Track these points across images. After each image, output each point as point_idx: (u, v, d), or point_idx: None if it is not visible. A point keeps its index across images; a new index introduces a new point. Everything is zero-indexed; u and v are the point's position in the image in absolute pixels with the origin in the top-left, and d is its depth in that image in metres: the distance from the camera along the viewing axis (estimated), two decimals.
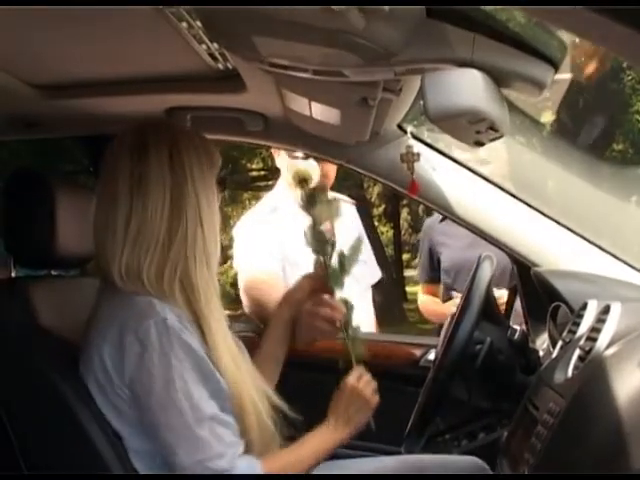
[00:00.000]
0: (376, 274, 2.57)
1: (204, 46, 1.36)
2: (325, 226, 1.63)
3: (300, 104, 1.59)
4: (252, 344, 1.57)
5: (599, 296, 1.43)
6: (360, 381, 1.49)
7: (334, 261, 1.60)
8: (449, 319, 1.78)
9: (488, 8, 1.10)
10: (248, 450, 1.35)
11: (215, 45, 1.36)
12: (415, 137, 1.79)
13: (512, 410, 1.50)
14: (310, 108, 1.57)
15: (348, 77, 1.22)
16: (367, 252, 2.53)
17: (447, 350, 1.62)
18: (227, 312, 1.45)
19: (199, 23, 1.25)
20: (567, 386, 1.22)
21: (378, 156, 1.86)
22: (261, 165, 10.68)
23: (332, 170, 2.33)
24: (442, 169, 1.84)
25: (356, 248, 1.62)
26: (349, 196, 2.69)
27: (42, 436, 1.36)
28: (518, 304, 1.94)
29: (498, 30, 1.12)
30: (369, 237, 2.74)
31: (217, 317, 1.37)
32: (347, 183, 7.88)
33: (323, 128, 1.71)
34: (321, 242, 1.58)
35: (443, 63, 1.14)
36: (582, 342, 1.27)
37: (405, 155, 1.71)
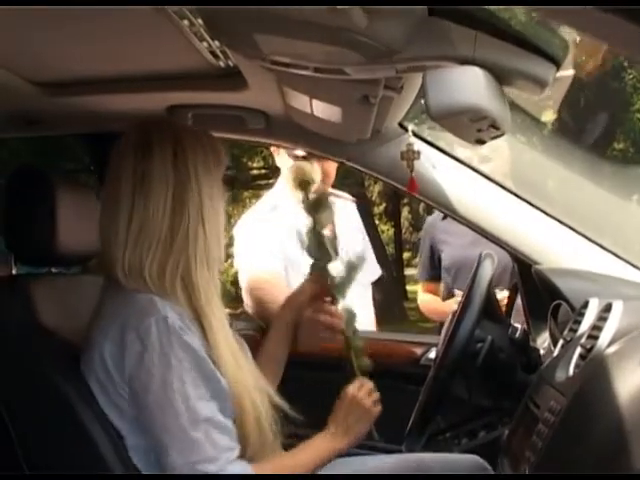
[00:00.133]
0: (376, 272, 2.57)
1: (205, 44, 1.36)
2: (326, 228, 1.63)
3: (301, 102, 1.58)
4: (253, 342, 1.57)
5: (600, 294, 1.42)
6: (360, 391, 1.48)
7: (338, 267, 1.60)
8: (450, 317, 1.78)
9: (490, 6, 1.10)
10: (246, 451, 1.34)
11: (216, 43, 1.36)
12: (416, 135, 1.79)
13: (513, 408, 1.50)
14: (311, 106, 1.57)
15: (350, 75, 1.22)
16: (367, 250, 2.53)
17: (448, 348, 1.62)
18: (227, 311, 1.44)
19: (200, 21, 1.24)
20: (568, 384, 1.22)
21: (379, 154, 1.86)
22: (262, 164, 10.69)
23: (333, 168, 2.33)
24: (443, 167, 1.84)
25: (359, 263, 1.63)
26: (350, 194, 2.69)
27: (43, 436, 1.36)
28: (519, 302, 1.93)
29: (500, 28, 1.12)
30: (369, 235, 2.74)
31: (218, 316, 1.37)
32: (348, 181, 7.87)
33: (324, 126, 1.71)
34: (321, 247, 1.58)
35: (445, 61, 1.13)
36: (583, 340, 1.27)
37: (405, 153, 1.70)
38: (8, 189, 1.50)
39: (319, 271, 1.61)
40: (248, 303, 2.28)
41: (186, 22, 1.25)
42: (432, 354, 2.05)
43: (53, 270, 1.83)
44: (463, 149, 1.91)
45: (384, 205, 15.46)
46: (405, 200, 14.41)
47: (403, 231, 16.50)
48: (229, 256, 2.55)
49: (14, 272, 2.34)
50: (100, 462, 1.32)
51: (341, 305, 1.61)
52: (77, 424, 1.33)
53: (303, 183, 1.61)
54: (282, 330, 1.63)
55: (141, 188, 1.35)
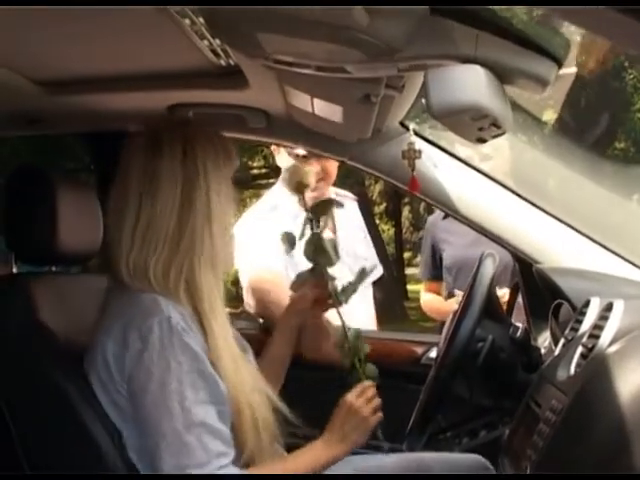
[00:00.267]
0: (377, 271, 2.56)
1: (206, 42, 1.36)
2: (326, 229, 1.63)
3: (302, 101, 1.58)
4: (254, 341, 1.57)
5: (602, 293, 1.42)
6: (359, 399, 1.45)
7: (341, 269, 1.60)
8: (451, 317, 1.78)
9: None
10: (243, 454, 1.33)
11: (217, 41, 1.36)
12: (417, 134, 1.79)
13: (514, 408, 1.49)
14: (312, 105, 1.57)
15: (351, 73, 1.22)
16: (368, 249, 2.53)
17: (449, 348, 1.62)
18: (228, 310, 1.44)
19: (201, 19, 1.24)
20: (569, 384, 1.22)
21: (380, 153, 1.86)
22: (262, 163, 10.69)
23: (334, 167, 2.32)
24: (444, 166, 1.84)
25: (361, 277, 1.63)
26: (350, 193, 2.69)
27: (44, 436, 1.36)
28: (520, 301, 1.93)
29: (501, 27, 1.11)
30: (370, 234, 2.73)
31: (220, 319, 1.36)
32: (349, 181, 7.89)
33: (325, 125, 1.71)
34: (321, 250, 1.58)
35: (446, 59, 1.13)
36: (584, 339, 1.27)
37: (407, 152, 1.70)
38: (8, 188, 1.49)
39: (319, 274, 1.60)
40: (249, 302, 2.28)
41: (187, 21, 1.25)
42: (433, 353, 2.05)
43: (53, 269, 1.83)
44: (464, 148, 1.91)
45: (385, 204, 15.46)
46: (406, 200, 14.41)
47: (404, 231, 16.50)
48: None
49: (14, 271, 2.34)
50: (101, 462, 1.32)
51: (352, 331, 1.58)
52: (78, 424, 1.33)
53: (299, 186, 1.61)
54: (286, 333, 1.63)
55: (150, 187, 1.35)
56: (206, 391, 1.29)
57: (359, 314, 1.65)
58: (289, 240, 1.61)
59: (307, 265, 1.64)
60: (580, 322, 1.40)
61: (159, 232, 1.34)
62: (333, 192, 2.43)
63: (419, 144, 1.73)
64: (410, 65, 1.19)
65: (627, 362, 1.09)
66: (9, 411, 1.36)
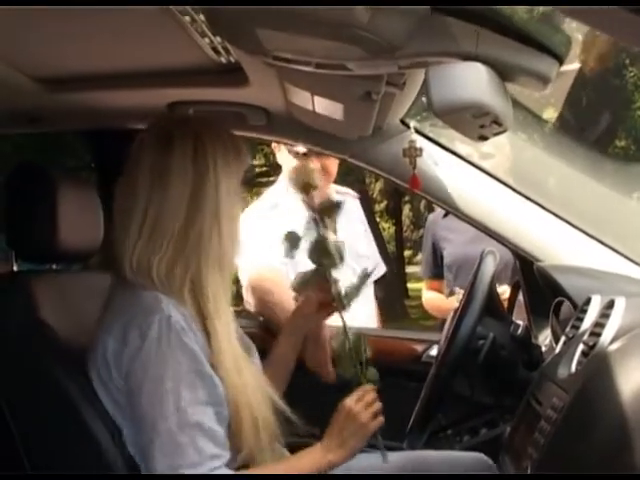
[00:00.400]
0: (380, 269, 2.55)
1: (207, 39, 1.36)
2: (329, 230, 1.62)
3: (303, 98, 1.58)
4: (255, 340, 1.57)
5: (602, 291, 1.42)
6: (358, 404, 1.42)
7: (345, 273, 1.59)
8: (452, 314, 1.78)
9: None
10: (240, 455, 1.33)
11: (218, 38, 1.36)
12: (418, 132, 1.79)
13: (514, 406, 1.49)
14: (313, 102, 1.57)
15: (352, 70, 1.22)
16: (370, 247, 2.53)
17: (449, 346, 1.62)
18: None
19: (202, 17, 1.24)
20: (571, 381, 1.22)
21: (381, 151, 1.86)
22: (263, 161, 10.68)
23: (334, 165, 2.32)
24: (445, 164, 1.84)
25: (364, 279, 1.62)
26: None
27: (45, 435, 1.36)
28: (521, 299, 1.93)
29: (502, 24, 1.11)
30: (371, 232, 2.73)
31: (224, 321, 1.35)
32: (349, 178, 7.88)
33: (326, 122, 1.71)
34: (325, 252, 1.56)
35: (447, 57, 1.13)
36: (586, 337, 1.27)
37: (408, 150, 1.70)
38: (9, 186, 1.49)
39: (322, 276, 1.59)
40: (249, 301, 2.28)
41: (188, 18, 1.25)
42: (434, 351, 2.05)
43: (54, 267, 1.83)
44: (464, 146, 1.90)
45: (385, 203, 15.47)
46: (406, 198, 14.41)
47: (404, 229, 16.50)
48: None
49: (15, 269, 2.34)
50: (101, 460, 1.32)
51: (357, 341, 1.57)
52: (79, 422, 1.33)
53: (305, 186, 1.59)
54: (292, 337, 1.63)
55: (159, 183, 1.34)
56: (204, 391, 1.28)
57: (361, 313, 1.64)
58: (292, 239, 1.59)
59: (307, 263, 1.63)
60: (581, 320, 1.39)
61: (165, 230, 1.33)
62: (334, 190, 2.43)
63: (420, 142, 1.72)
64: (411, 62, 1.19)
65: (628, 360, 1.09)
66: (10, 410, 1.36)
